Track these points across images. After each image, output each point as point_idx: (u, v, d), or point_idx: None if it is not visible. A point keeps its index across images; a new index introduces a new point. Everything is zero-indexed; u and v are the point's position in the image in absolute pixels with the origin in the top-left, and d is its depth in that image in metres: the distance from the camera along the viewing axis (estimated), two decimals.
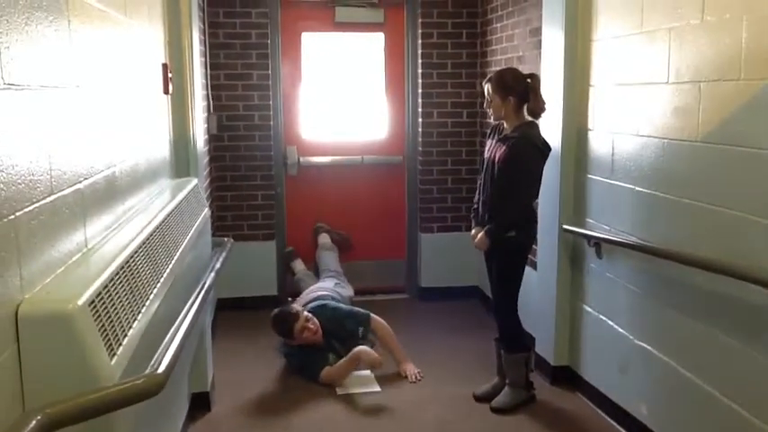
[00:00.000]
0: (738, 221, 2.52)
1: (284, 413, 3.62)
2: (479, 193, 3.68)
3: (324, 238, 5.37)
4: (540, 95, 3.46)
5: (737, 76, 2.51)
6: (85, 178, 1.94)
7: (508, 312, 3.62)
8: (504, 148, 3.46)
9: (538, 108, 3.45)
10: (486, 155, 3.61)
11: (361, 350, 3.94)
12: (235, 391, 3.83)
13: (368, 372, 4.05)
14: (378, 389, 3.88)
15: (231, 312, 4.97)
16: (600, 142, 3.52)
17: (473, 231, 3.68)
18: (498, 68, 3.65)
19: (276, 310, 4.15)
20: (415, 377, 3.99)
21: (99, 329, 1.56)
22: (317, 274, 5.17)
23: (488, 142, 3.66)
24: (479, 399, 3.73)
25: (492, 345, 3.77)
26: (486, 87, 3.52)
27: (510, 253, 3.56)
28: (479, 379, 3.89)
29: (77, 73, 1.95)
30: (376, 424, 3.51)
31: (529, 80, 3.47)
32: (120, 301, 1.74)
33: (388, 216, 5.56)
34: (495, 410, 3.59)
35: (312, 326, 4.00)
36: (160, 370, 1.62)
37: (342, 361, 3.96)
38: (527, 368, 3.67)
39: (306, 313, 4.06)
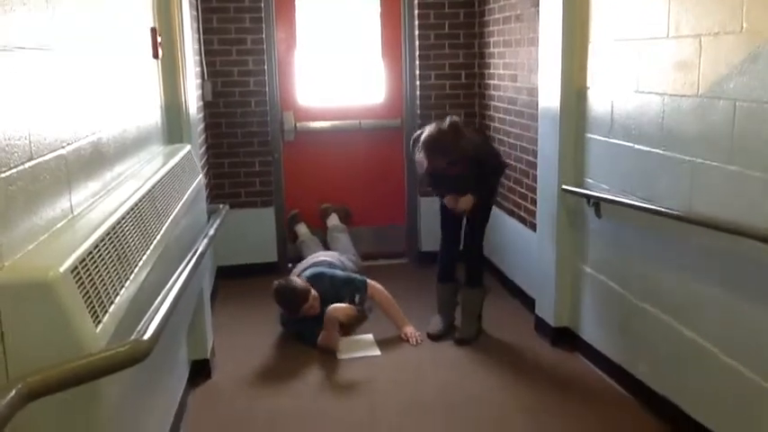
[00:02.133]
0: (739, 177, 2.47)
1: (285, 378, 3.62)
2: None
3: (332, 220, 5.28)
4: (467, 133, 3.77)
5: (739, 28, 2.44)
6: (69, 143, 1.89)
7: (481, 251, 4.09)
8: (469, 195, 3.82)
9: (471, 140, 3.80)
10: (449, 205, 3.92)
11: (331, 311, 3.88)
12: (235, 358, 3.83)
13: (369, 336, 4.05)
14: (378, 353, 3.88)
15: (231, 280, 4.97)
16: (598, 101, 3.45)
17: (447, 198, 3.92)
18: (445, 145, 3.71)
19: (282, 283, 3.98)
20: (416, 340, 3.99)
21: (83, 296, 1.52)
22: (323, 243, 5.12)
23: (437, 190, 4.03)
24: (434, 337, 4.02)
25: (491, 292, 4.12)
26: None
27: (489, 198, 4.00)
28: (479, 340, 3.93)
29: (58, 35, 1.89)
30: (377, 387, 3.51)
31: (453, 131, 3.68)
32: (107, 268, 1.71)
33: (387, 180, 5.50)
34: (461, 342, 3.91)
35: (316, 303, 3.96)
36: (146, 336, 1.60)
37: (323, 332, 3.91)
38: (482, 301, 4.09)
39: (314, 292, 3.97)
